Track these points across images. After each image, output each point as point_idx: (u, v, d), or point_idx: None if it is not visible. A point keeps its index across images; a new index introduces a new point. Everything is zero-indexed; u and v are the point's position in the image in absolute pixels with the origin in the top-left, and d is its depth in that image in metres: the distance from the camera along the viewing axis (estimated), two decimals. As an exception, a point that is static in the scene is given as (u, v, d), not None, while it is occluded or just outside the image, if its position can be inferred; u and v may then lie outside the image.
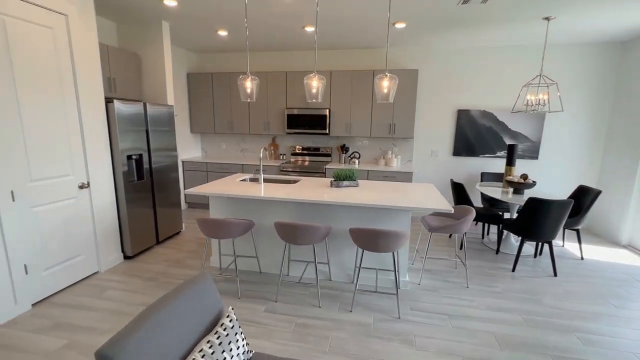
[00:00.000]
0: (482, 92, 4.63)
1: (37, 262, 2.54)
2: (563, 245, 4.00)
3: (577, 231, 3.62)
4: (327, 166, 4.80)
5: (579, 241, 3.61)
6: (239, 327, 1.42)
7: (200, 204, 5.47)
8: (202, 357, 1.20)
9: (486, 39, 4.19)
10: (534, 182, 3.59)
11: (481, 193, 4.40)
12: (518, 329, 2.34)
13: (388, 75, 2.54)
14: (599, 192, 3.43)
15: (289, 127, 4.95)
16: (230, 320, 1.39)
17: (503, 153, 4.71)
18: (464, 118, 4.72)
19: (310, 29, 3.93)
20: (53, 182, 2.62)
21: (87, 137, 2.87)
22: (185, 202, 5.51)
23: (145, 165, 3.52)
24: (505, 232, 4.06)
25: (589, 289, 2.94)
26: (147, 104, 3.47)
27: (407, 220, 2.78)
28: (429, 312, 2.52)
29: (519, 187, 3.63)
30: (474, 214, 2.84)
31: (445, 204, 2.52)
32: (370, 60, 4.89)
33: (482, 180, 4.55)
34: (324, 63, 5.06)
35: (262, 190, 2.86)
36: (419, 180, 5.10)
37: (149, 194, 3.59)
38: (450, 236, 4.26)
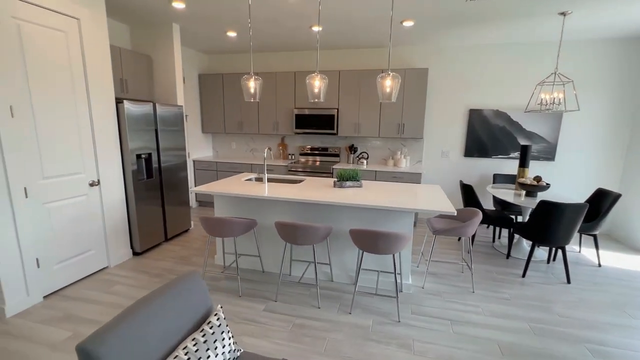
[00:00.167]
0: (494, 91, 4.48)
1: (48, 256, 2.65)
2: (580, 251, 3.82)
3: (595, 237, 3.45)
4: (334, 166, 4.78)
5: (596, 247, 3.44)
6: (227, 325, 1.42)
7: (210, 202, 5.56)
8: (186, 354, 1.21)
9: (499, 36, 4.05)
10: (547, 184, 3.44)
11: (493, 195, 4.26)
12: (524, 338, 2.24)
13: (391, 74, 2.50)
14: (618, 196, 3.25)
15: (297, 127, 4.96)
16: (218, 319, 1.40)
17: (517, 154, 4.54)
18: (476, 118, 4.59)
19: (317, 28, 3.92)
20: (64, 180, 2.73)
21: (98, 136, 2.97)
22: (196, 201, 5.62)
23: (155, 164, 3.61)
24: (516, 236, 3.92)
25: (604, 298, 2.79)
26: (156, 104, 3.56)
27: (410, 222, 2.72)
28: (430, 317, 2.46)
29: (531, 190, 3.49)
30: (480, 216, 2.76)
31: (449, 206, 2.45)
32: (379, 59, 4.83)
33: (494, 182, 4.41)
34: (332, 63, 5.04)
35: (265, 190, 2.87)
36: (429, 182, 4.99)
37: (157, 192, 3.68)
38: (459, 239, 4.15)
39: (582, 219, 2.93)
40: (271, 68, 5.34)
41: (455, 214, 2.35)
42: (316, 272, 2.58)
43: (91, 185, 2.96)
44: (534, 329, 2.34)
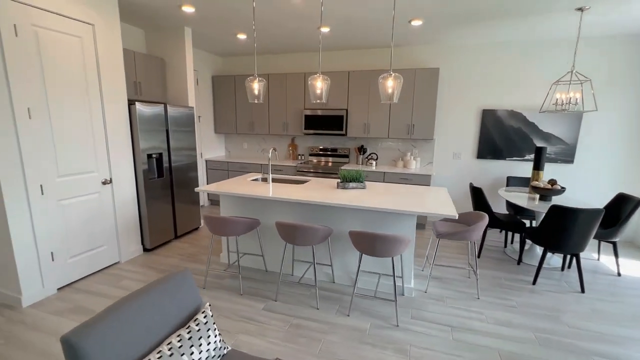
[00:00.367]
0: (509, 91, 4.33)
1: (63, 250, 2.79)
2: (598, 259, 3.62)
3: (614, 244, 3.26)
4: (343, 167, 4.76)
5: (616, 255, 3.25)
6: (214, 323, 1.45)
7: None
8: (169, 349, 1.24)
9: (513, 34, 3.91)
10: (563, 188, 3.29)
11: (506, 199, 4.11)
12: (527, 348, 2.15)
13: (392, 74, 2.47)
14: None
15: (306, 127, 4.98)
16: (205, 317, 1.43)
17: (532, 156, 4.36)
18: (489, 118, 4.45)
19: (325, 29, 3.93)
20: (78, 178, 2.87)
21: (111, 136, 3.10)
22: (208, 199, 5.75)
23: (165, 164, 3.73)
24: (529, 241, 3.77)
25: (621, 309, 2.63)
26: (167, 105, 3.67)
27: (412, 225, 2.68)
28: (430, 322, 2.41)
29: (545, 194, 3.35)
30: (486, 220, 2.67)
31: (450, 209, 2.39)
32: (389, 59, 4.77)
33: (508, 185, 4.26)
34: (341, 63, 5.02)
35: (268, 190, 2.90)
36: (440, 184, 4.88)
37: (168, 191, 3.80)
38: (473, 243, 4.03)
39: (597, 225, 2.78)
40: (281, 69, 5.39)
41: (457, 218, 2.28)
42: (315, 273, 2.59)
43: (104, 183, 3.09)
44: (539, 339, 2.24)
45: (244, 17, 3.56)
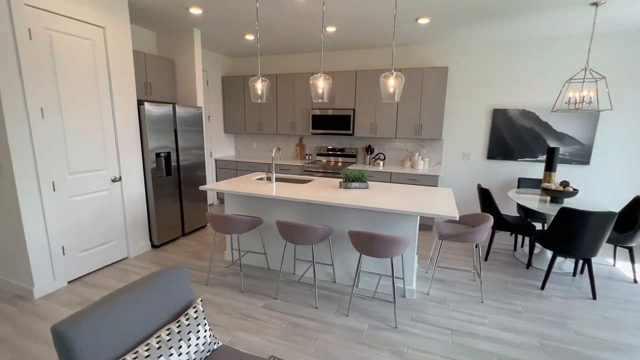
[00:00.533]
0: (521, 90, 4.20)
1: (73, 245, 2.90)
2: (614, 265, 3.47)
3: (630, 249, 3.12)
4: (350, 167, 4.75)
5: (632, 261, 3.11)
6: (204, 319, 1.48)
7: (230, 200, 5.76)
8: (158, 342, 1.27)
9: (525, 31, 3.79)
10: (575, 190, 3.17)
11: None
12: (530, 354, 2.09)
13: (394, 73, 2.44)
14: (658, 205, 2.91)
15: (313, 127, 4.99)
16: (196, 312, 1.46)
17: (545, 157, 4.21)
18: (500, 118, 4.33)
19: (331, 29, 3.92)
20: (89, 175, 2.97)
21: (120, 135, 3.20)
22: (217, 198, 5.84)
23: (173, 163, 3.82)
24: (540, 245, 3.64)
25: (634, 317, 2.51)
26: (176, 105, 3.76)
27: (414, 226, 2.64)
28: (430, 325, 2.37)
29: (557, 196, 3.23)
30: (491, 222, 2.61)
31: (452, 210, 2.34)
32: (397, 58, 4.72)
33: (519, 187, 4.14)
34: (348, 63, 5.01)
35: (271, 189, 2.92)
36: (448, 185, 4.79)
37: (176, 189, 3.89)
38: (476, 246, 3.94)
39: (609, 229, 2.66)
40: (289, 69, 5.42)
41: (457, 219, 2.24)
42: (314, 273, 2.59)
43: (113, 181, 3.19)
44: (543, 346, 2.17)
45: (250, 18, 3.60)
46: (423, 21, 3.54)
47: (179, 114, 3.82)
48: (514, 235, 4.35)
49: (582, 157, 4.08)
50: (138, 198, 3.47)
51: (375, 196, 2.77)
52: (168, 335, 1.32)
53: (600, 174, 4.06)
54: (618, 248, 3.90)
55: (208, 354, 1.45)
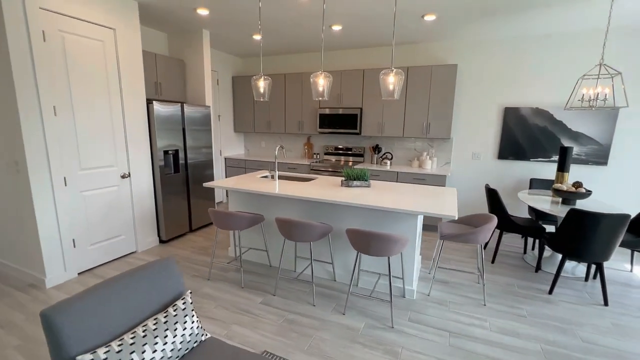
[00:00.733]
0: (534, 88, 4.05)
1: (84, 238, 3.02)
2: (631, 270, 3.29)
3: (648, 254, 2.95)
4: (357, 166, 4.72)
5: (650, 267, 2.94)
6: (192, 310, 1.51)
7: (239, 198, 5.84)
8: (144, 331, 1.31)
9: (536, 26, 3.66)
10: (588, 191, 3.03)
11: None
12: (530, 360, 2.02)
13: (394, 70, 2.42)
14: (679, 208, 2.75)
15: (321, 126, 4.99)
16: (184, 303, 1.50)
17: (560, 157, 4.06)
18: (511, 117, 4.20)
19: (337, 27, 3.92)
20: (99, 172, 3.09)
21: (129, 133, 3.31)
22: (226, 196, 5.94)
23: (181, 161, 3.91)
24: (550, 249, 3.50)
25: (649, 326, 2.38)
26: (184, 105, 3.85)
27: (414, 225, 2.60)
28: (427, 326, 2.33)
29: (568, 197, 3.10)
30: (494, 223, 2.53)
31: (451, 209, 2.29)
32: (404, 56, 4.66)
33: (530, 188, 4.00)
34: (355, 62, 4.98)
35: (272, 187, 2.95)
36: (457, 185, 4.68)
37: (183, 186, 3.98)
38: (484, 247, 3.84)
39: (623, 232, 2.53)
40: (297, 69, 5.44)
41: (456, 218, 2.19)
42: (312, 270, 2.59)
43: (122, 177, 3.30)
44: (545, 352, 2.08)
45: (257, 18, 3.65)
46: (429, 18, 3.48)
47: (187, 113, 3.91)
48: (524, 237, 4.21)
49: (600, 157, 3.89)
50: (146, 194, 3.58)
51: (376, 195, 2.74)
52: (155, 324, 1.35)
53: (619, 175, 3.87)
54: (636, 253, 3.71)
55: (195, 344, 1.48)
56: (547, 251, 3.65)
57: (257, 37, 4.40)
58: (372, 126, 4.74)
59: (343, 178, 3.15)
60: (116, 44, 3.11)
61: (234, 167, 5.65)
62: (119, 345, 1.22)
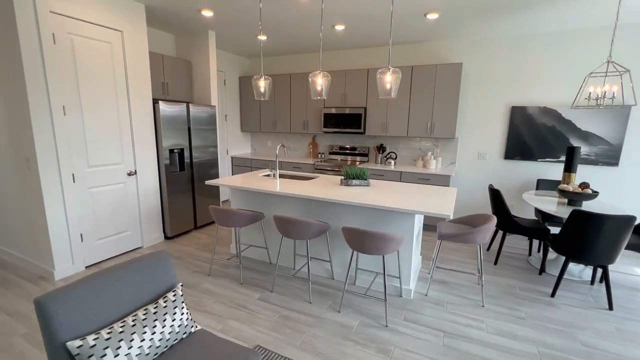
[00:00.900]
0: (541, 86, 3.96)
1: (91, 233, 3.13)
2: (641, 275, 3.19)
3: (658, 258, 2.85)
4: (360, 166, 4.72)
5: (660, 271, 2.84)
6: (182, 302, 1.55)
7: (245, 196, 5.92)
8: (133, 321, 1.36)
9: (542, 24, 3.58)
10: (595, 192, 2.95)
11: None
12: (525, 362, 1.98)
13: (391, 69, 2.42)
14: (690, 211, 2.64)
15: (325, 126, 5.01)
16: (174, 295, 1.54)
17: (569, 157, 3.95)
18: (518, 116, 4.11)
19: (340, 27, 3.93)
20: (106, 169, 3.20)
21: (136, 132, 3.41)
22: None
23: (187, 159, 4.00)
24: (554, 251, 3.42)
25: (654, 332, 2.30)
26: (190, 105, 3.94)
27: (411, 224, 2.59)
28: (422, 326, 2.31)
29: (574, 198, 3.03)
30: (493, 223, 2.50)
31: (447, 209, 2.28)
32: (408, 55, 4.63)
33: (537, 188, 3.91)
34: (359, 62, 4.98)
35: (272, 185, 2.99)
36: (462, 185, 4.62)
37: (189, 184, 4.07)
38: (488, 248, 3.78)
39: (628, 234, 2.45)
40: (302, 69, 5.48)
41: (451, 218, 2.17)
42: (308, 268, 2.61)
43: (129, 174, 3.41)
44: (542, 355, 2.05)
45: (258, 19, 3.70)
46: (432, 16, 3.45)
47: (192, 113, 3.99)
48: (529, 239, 4.12)
49: (610, 157, 3.78)
50: (152, 191, 3.67)
51: (374, 194, 2.74)
52: (144, 314, 1.40)
53: (631, 176, 3.74)
54: (648, 257, 3.58)
55: (184, 335, 1.53)
56: (552, 253, 3.57)
57: (262, 37, 4.46)
58: (377, 126, 4.73)
59: (342, 177, 3.16)
60: (123, 45, 3.21)
61: (240, 165, 5.73)
62: (109, 333, 1.27)
